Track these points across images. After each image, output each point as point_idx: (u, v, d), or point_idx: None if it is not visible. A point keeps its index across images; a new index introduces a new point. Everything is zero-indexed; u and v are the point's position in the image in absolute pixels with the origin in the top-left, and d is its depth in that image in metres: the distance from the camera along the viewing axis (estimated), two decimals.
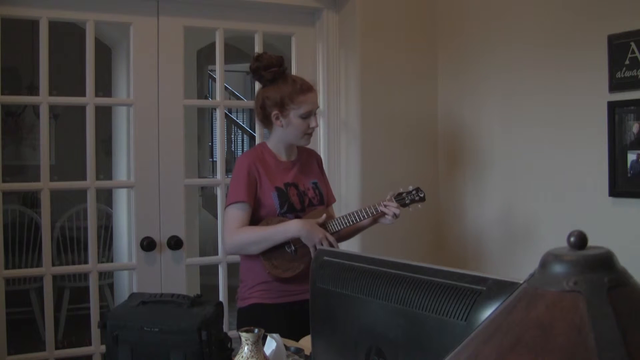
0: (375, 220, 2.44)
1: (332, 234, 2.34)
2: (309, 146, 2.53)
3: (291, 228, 2.25)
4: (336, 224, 2.36)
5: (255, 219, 2.32)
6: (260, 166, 2.34)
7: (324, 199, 2.46)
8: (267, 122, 2.41)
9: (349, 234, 2.54)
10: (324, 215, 2.35)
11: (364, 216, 2.38)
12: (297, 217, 2.34)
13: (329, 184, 2.60)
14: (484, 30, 3.10)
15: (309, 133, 2.37)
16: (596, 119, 2.50)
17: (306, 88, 2.35)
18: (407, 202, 2.42)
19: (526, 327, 0.57)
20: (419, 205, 2.46)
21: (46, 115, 2.77)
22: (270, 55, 2.38)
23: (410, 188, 2.45)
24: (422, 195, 2.44)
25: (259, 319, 2.25)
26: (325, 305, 1.40)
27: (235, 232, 2.27)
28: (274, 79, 2.35)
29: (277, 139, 2.40)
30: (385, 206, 2.36)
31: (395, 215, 2.37)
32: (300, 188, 2.39)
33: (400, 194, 2.43)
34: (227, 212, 2.32)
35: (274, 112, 2.34)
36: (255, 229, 2.28)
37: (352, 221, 2.37)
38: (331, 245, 2.29)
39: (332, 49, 3.20)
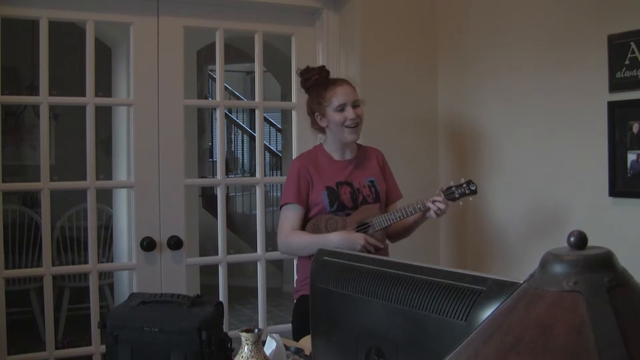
0: (424, 216, 2.44)
1: (377, 231, 2.39)
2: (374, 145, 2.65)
3: (331, 241, 2.31)
4: (381, 221, 2.40)
5: (308, 218, 2.44)
6: (312, 167, 2.44)
7: (380, 196, 2.50)
8: (318, 127, 2.51)
9: (399, 232, 2.58)
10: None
11: (410, 212, 2.39)
12: (347, 215, 2.42)
13: (395, 181, 2.62)
14: (484, 30, 3.10)
15: (347, 126, 2.42)
16: (596, 119, 2.50)
17: (333, 82, 2.46)
18: (456, 196, 2.41)
19: (526, 327, 0.57)
20: (470, 198, 2.43)
21: (46, 115, 2.77)
22: (313, 68, 2.53)
23: (462, 181, 2.43)
24: (473, 188, 2.40)
25: (306, 308, 2.36)
26: (325, 305, 1.40)
27: (287, 236, 2.42)
28: (314, 86, 2.49)
29: (329, 140, 2.51)
30: (432, 202, 2.36)
31: (440, 210, 2.35)
32: (355, 186, 2.46)
33: (449, 187, 2.42)
34: (280, 213, 2.48)
35: (317, 114, 2.47)
36: (302, 236, 2.40)
37: (398, 217, 2.40)
38: (376, 246, 2.35)
39: (332, 49, 3.20)
